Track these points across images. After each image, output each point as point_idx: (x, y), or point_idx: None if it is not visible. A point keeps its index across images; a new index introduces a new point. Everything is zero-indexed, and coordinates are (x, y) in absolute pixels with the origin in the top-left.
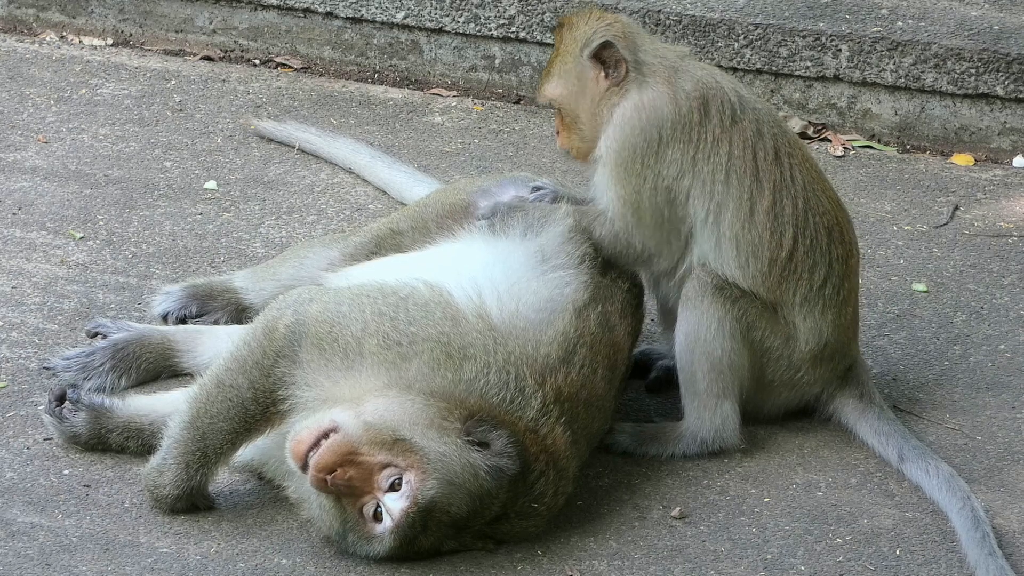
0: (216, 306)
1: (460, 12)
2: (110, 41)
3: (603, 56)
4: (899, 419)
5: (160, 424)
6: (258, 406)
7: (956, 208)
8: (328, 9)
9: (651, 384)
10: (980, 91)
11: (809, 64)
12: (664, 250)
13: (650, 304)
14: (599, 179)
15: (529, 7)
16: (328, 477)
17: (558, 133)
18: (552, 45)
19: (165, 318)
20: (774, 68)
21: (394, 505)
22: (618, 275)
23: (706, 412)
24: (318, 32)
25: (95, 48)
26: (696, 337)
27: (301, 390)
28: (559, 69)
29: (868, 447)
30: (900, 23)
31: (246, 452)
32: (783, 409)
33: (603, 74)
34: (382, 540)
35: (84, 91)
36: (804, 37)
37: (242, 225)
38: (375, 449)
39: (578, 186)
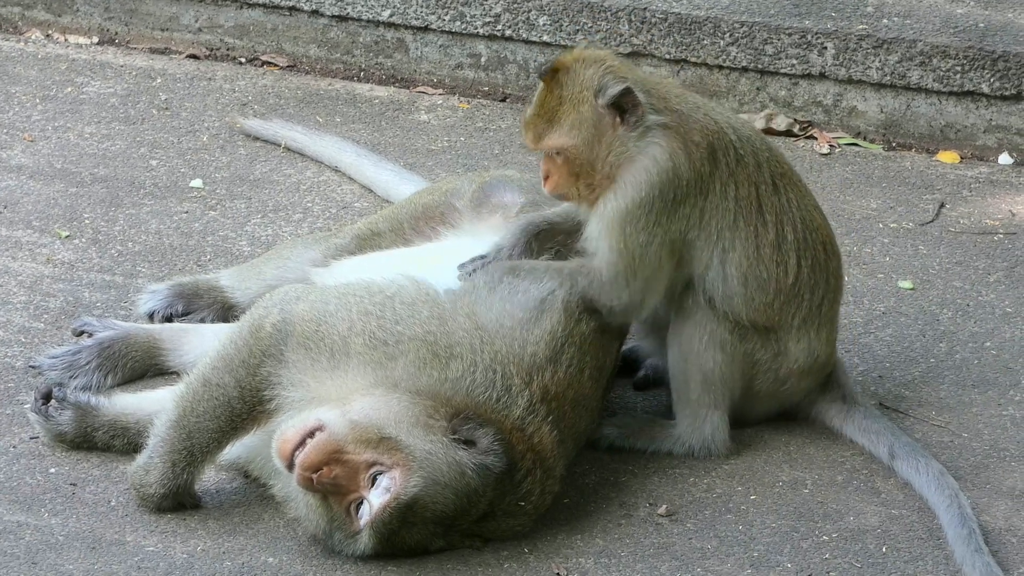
0: (202, 304)
1: (446, 10)
2: (96, 39)
3: (621, 102)
4: (886, 417)
5: (146, 423)
6: (244, 405)
7: (942, 205)
8: (314, 7)
9: (639, 382)
10: (966, 89)
11: (795, 62)
12: (653, 300)
13: None
14: (598, 229)
15: (515, 5)
16: (314, 476)
17: (546, 178)
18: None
19: (151, 316)
20: (760, 66)
21: (376, 501)
22: None
23: (696, 421)
24: (304, 30)
25: (80, 46)
26: (689, 348)
27: (287, 389)
28: (571, 118)
29: (856, 446)
30: (886, 21)
31: (232, 450)
32: (764, 416)
33: (619, 119)
34: (362, 536)
35: (70, 89)
36: (790, 35)
37: (228, 223)
38: (360, 447)
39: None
